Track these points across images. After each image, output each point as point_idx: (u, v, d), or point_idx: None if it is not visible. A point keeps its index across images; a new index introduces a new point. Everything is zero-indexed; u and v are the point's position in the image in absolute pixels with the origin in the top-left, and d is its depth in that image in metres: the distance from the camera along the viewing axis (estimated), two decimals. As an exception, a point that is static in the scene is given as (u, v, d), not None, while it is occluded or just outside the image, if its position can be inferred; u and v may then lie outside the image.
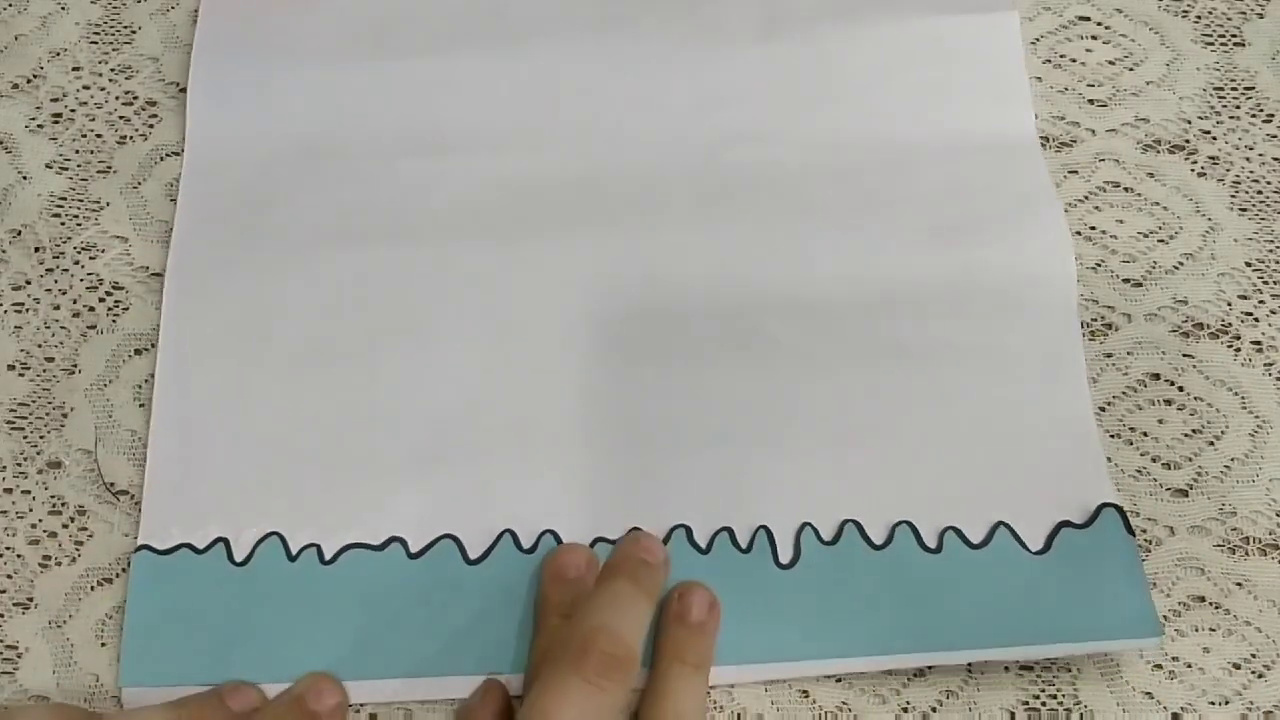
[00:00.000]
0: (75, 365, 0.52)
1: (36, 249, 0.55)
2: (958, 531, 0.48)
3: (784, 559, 0.48)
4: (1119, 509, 0.48)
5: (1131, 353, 0.52)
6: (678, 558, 0.48)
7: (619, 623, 0.43)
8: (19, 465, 0.50)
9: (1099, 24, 0.59)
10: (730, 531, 0.48)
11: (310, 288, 0.53)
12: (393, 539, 0.48)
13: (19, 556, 0.49)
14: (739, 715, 0.46)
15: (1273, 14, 0.59)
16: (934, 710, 0.46)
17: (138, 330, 0.53)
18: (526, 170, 0.55)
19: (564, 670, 0.42)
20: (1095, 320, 0.53)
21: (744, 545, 0.48)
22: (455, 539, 0.48)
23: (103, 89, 0.58)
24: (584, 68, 0.58)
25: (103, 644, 0.47)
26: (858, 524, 0.48)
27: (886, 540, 0.48)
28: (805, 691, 0.46)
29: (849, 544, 0.48)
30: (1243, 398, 0.51)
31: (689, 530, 0.48)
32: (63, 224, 0.55)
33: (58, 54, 0.59)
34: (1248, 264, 0.54)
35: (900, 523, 0.48)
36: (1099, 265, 0.54)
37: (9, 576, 0.49)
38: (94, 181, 0.56)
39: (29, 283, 0.54)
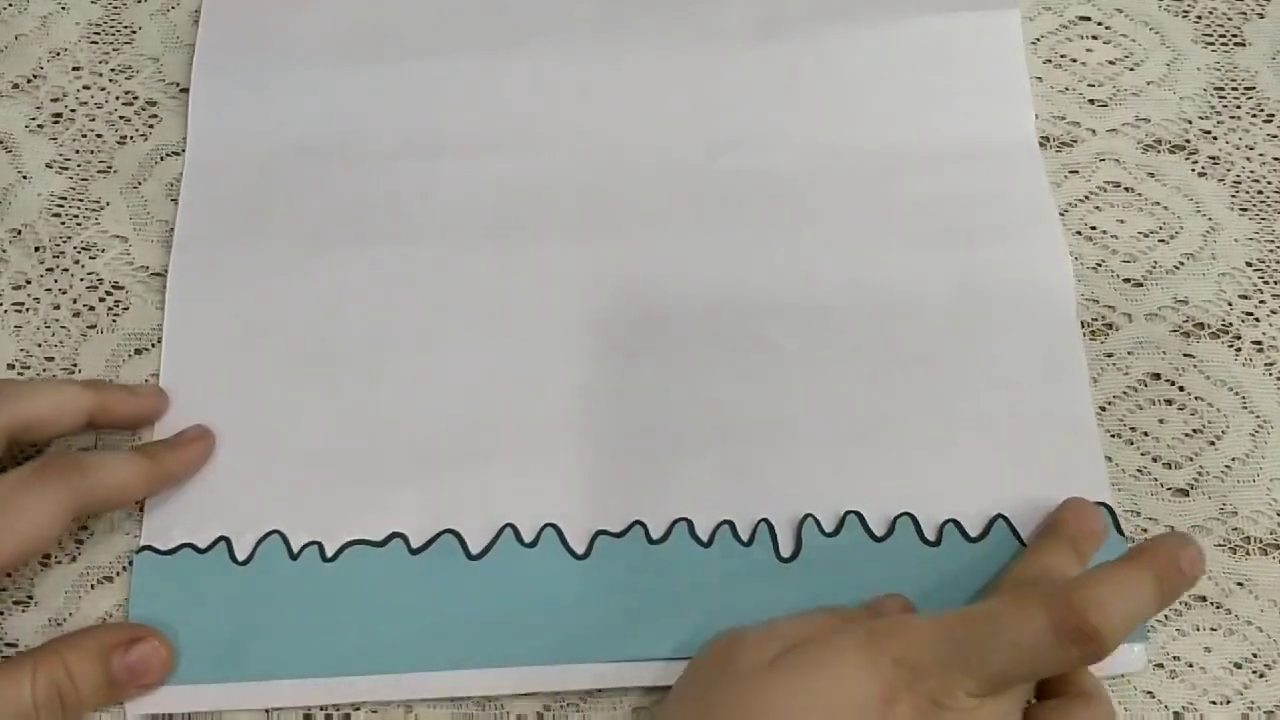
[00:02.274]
0: (75, 365, 0.52)
1: (36, 248, 0.54)
2: (957, 524, 0.48)
3: (785, 552, 0.48)
4: (1111, 511, 0.48)
5: (1132, 352, 0.52)
6: (678, 551, 0.48)
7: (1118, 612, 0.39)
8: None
9: (1099, 24, 0.59)
10: (731, 524, 0.48)
11: (311, 288, 0.53)
12: (394, 535, 0.48)
13: (19, 555, 0.49)
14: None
15: (1273, 14, 0.59)
16: (935, 709, 0.46)
17: (138, 330, 0.53)
18: (526, 172, 0.55)
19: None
20: (1096, 320, 0.53)
21: (745, 538, 0.48)
22: (456, 534, 0.48)
23: (103, 89, 0.58)
24: (583, 70, 0.58)
25: (102, 643, 0.48)
26: (859, 515, 0.48)
27: (888, 532, 0.48)
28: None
29: (850, 535, 0.48)
30: (1243, 398, 0.51)
31: (690, 524, 0.48)
32: (63, 224, 0.55)
33: (58, 54, 0.59)
34: (1248, 264, 0.54)
35: (901, 515, 0.48)
36: (1099, 265, 0.54)
37: (9, 575, 0.48)
38: (94, 181, 0.56)
39: (29, 282, 0.54)
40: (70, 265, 0.54)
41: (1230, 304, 0.53)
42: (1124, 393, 0.51)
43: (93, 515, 0.49)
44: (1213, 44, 0.58)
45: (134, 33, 0.60)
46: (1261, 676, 0.47)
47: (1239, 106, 0.57)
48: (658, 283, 0.53)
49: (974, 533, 0.48)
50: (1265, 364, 0.52)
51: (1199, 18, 0.59)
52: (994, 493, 0.49)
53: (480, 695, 0.46)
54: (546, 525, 0.48)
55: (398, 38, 0.59)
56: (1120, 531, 0.48)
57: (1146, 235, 0.54)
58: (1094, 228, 0.54)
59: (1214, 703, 0.46)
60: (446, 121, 0.57)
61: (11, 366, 0.52)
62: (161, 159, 0.57)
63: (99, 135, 0.57)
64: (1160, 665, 0.47)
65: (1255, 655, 0.47)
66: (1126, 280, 0.53)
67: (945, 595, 0.47)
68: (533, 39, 0.58)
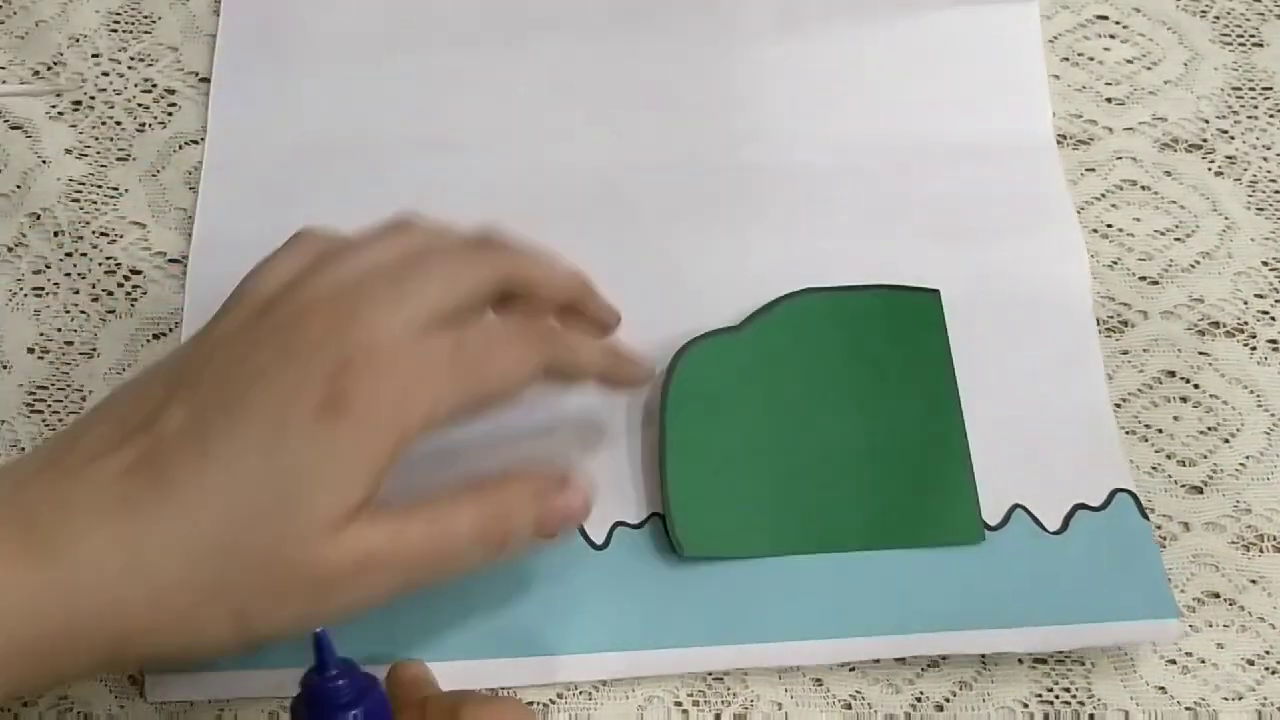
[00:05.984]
0: (94, 349, 0.52)
1: (56, 233, 0.55)
2: None
3: None
4: (1133, 495, 0.48)
5: (1148, 350, 0.52)
6: None
7: None
8: (36, 447, 0.51)
9: (1117, 23, 0.59)
10: None
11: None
12: None
13: (36, 537, 0.49)
14: (753, 703, 0.46)
15: (1292, 14, 0.59)
16: (947, 701, 0.46)
17: (156, 315, 0.53)
18: (544, 166, 0.55)
19: None
20: (1112, 317, 0.53)
21: None
22: None
23: (122, 76, 0.58)
24: (601, 64, 0.58)
25: (119, 625, 0.48)
26: None
27: None
28: (819, 680, 0.47)
29: None
30: (1258, 396, 0.51)
31: None
32: (81, 208, 0.55)
33: (77, 40, 0.59)
34: (1264, 263, 0.54)
35: None
36: (1116, 263, 0.54)
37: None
38: (113, 168, 0.56)
39: (48, 266, 0.54)
40: (89, 250, 0.54)
41: (1246, 303, 0.53)
42: (1139, 390, 0.51)
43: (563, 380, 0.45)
44: (1230, 44, 0.58)
45: (153, 22, 0.60)
46: (1274, 673, 0.47)
47: (1256, 107, 0.57)
48: (675, 279, 0.53)
49: (993, 522, 0.48)
50: (1280, 363, 0.52)
51: (1217, 17, 0.59)
52: (1011, 484, 0.49)
53: (497, 687, 0.47)
54: None
55: (416, 31, 0.59)
56: (1145, 516, 0.48)
57: (1163, 234, 0.54)
58: (1110, 225, 0.55)
59: (1226, 699, 0.46)
60: (465, 115, 0.57)
61: (31, 350, 0.52)
62: (180, 147, 0.57)
63: (118, 122, 0.57)
64: (1173, 661, 0.47)
65: (1268, 652, 0.47)
66: (1142, 278, 0.54)
67: (967, 583, 0.47)
68: (551, 32, 0.58)
